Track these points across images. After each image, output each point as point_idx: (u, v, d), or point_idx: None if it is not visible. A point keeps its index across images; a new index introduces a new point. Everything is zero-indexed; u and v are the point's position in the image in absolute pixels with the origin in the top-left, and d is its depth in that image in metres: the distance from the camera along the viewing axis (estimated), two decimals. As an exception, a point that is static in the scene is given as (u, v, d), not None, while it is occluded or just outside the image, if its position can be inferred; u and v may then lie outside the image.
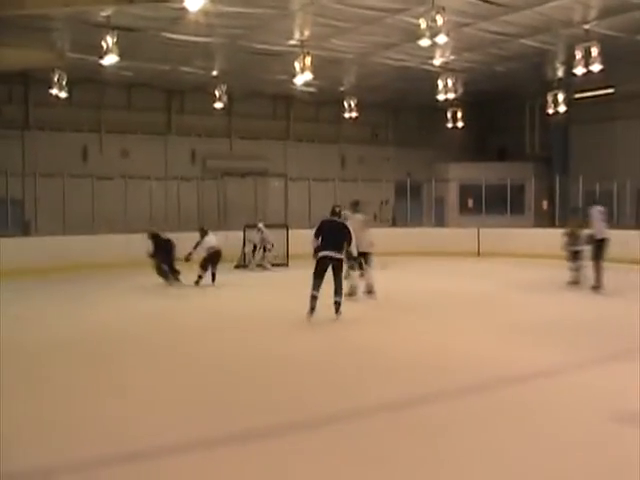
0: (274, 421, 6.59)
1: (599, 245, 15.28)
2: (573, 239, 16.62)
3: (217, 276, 17.50)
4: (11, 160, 23.18)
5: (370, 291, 14.39)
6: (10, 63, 19.93)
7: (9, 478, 5.26)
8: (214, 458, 5.72)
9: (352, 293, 14.03)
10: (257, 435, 6.24)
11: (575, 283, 16.31)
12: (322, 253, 12.04)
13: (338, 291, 12.11)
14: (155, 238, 17.48)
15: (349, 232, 12.39)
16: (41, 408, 7.14)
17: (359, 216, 14.59)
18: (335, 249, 12.09)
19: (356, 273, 14.21)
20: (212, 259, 17.52)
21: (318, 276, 11.96)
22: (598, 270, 15.16)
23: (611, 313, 12.72)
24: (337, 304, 12.06)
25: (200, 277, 17.28)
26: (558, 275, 17.33)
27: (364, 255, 14.13)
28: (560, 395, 7.42)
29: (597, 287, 15.09)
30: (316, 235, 12.20)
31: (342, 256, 12.25)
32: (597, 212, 15.78)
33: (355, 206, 14.90)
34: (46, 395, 7.63)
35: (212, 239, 17.80)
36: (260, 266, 21.77)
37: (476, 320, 12.27)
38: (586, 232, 15.88)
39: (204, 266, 17.37)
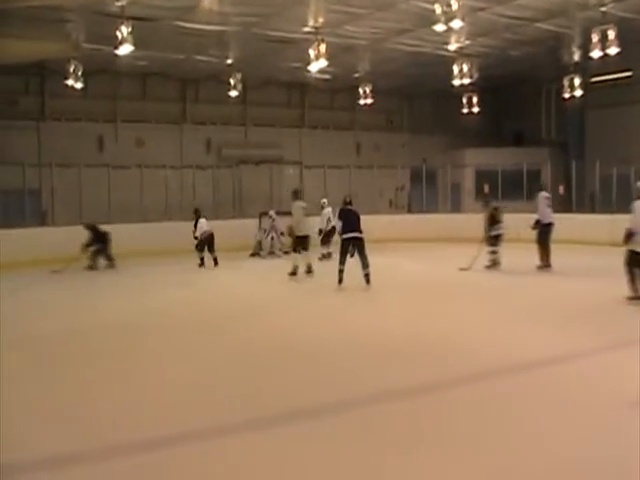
0: (278, 409, 6.62)
1: (545, 229, 16.48)
2: (492, 223, 17.43)
3: (228, 263, 17.79)
4: (27, 151, 23.33)
5: (309, 270, 16.10)
6: (26, 55, 20.01)
7: (18, 467, 5.32)
8: (224, 445, 5.77)
9: (294, 272, 15.87)
10: (261, 423, 6.28)
11: (494, 265, 17.13)
12: (346, 235, 14.31)
13: (365, 265, 14.06)
14: (92, 229, 18.78)
15: (359, 217, 14.53)
16: (54, 397, 7.18)
17: (299, 203, 16.54)
18: (356, 231, 14.20)
19: (298, 255, 16.17)
20: (207, 242, 18.66)
21: (343, 254, 14.25)
22: (544, 252, 16.29)
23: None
24: (367, 276, 14.04)
25: (202, 260, 18.55)
26: (575, 260, 17.26)
27: (304, 238, 16.15)
28: (569, 383, 7.38)
29: (543, 266, 16.29)
30: (339, 218, 14.69)
31: (362, 236, 14.24)
32: (543, 198, 17.13)
33: (295, 194, 17.18)
34: (59, 384, 7.69)
35: (204, 223, 18.98)
36: (272, 253, 21.79)
37: (490, 305, 12.27)
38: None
39: (200, 249, 18.57)
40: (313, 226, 17.52)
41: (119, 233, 19.94)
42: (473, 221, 26.08)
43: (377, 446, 5.65)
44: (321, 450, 5.62)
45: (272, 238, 22.04)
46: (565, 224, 24.05)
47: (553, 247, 17.05)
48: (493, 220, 17.48)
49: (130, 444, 5.82)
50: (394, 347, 9.10)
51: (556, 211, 26.49)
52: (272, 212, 22.23)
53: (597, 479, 5.06)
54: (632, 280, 11.58)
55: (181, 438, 5.91)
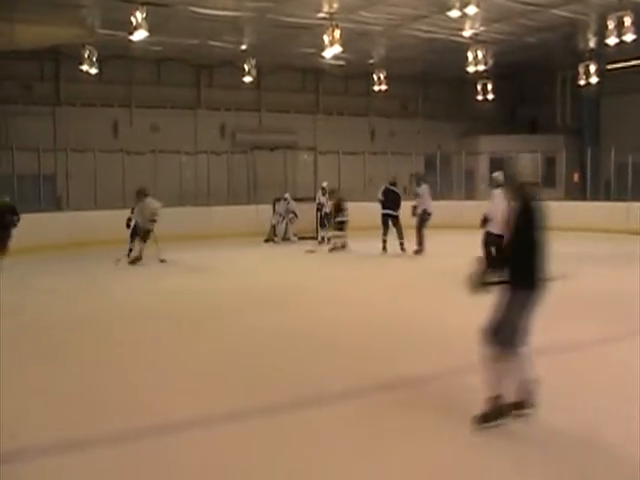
0: (279, 398, 6.65)
1: (427, 218, 17.79)
2: (337, 211, 19.56)
3: (249, 250, 17.98)
4: (43, 136, 23.45)
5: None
6: (41, 40, 20.08)
7: (26, 452, 5.40)
8: (229, 431, 5.84)
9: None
10: (265, 410, 6.33)
11: (339, 248, 19.21)
12: (384, 211, 18.13)
13: (400, 236, 17.97)
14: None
15: (400, 197, 18.24)
16: (58, 383, 7.23)
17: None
18: (391, 209, 18.03)
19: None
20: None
21: (384, 226, 18.18)
22: (421, 237, 17.69)
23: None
24: (401, 244, 17.99)
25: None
26: (587, 248, 17.25)
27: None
28: (594, 369, 7.45)
29: (419, 251, 17.68)
30: (381, 197, 18.37)
31: (398, 213, 17.97)
32: (427, 189, 18.39)
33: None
34: (65, 369, 7.73)
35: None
36: (286, 239, 21.84)
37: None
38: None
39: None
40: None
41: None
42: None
43: (379, 434, 5.71)
44: (324, 437, 5.68)
45: (287, 223, 22.07)
46: (580, 211, 24.15)
47: (566, 233, 17.01)
48: (338, 208, 19.60)
49: (136, 429, 5.88)
50: (398, 336, 9.16)
51: (571, 198, 26.64)
52: (287, 195, 22.26)
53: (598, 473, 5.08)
54: (487, 257, 12.12)
55: (187, 424, 5.97)
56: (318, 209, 21.53)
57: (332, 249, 19.17)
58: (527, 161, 6.14)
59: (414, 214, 17.73)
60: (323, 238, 20.95)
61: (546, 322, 9.37)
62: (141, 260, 16.79)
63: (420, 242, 17.74)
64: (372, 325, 9.67)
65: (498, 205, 11.38)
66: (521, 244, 5.56)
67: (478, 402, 5.63)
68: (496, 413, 5.52)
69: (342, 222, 19.54)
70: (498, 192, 11.74)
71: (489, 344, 5.49)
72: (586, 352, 8.29)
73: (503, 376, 5.50)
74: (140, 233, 16.98)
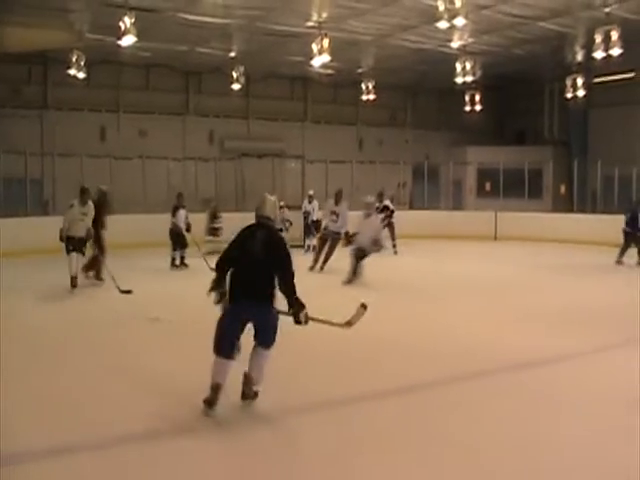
0: (271, 404, 6.66)
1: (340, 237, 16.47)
2: (213, 218, 20.44)
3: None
4: (30, 140, 23.32)
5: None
6: (29, 43, 20.05)
7: (16, 457, 5.36)
8: (222, 439, 5.85)
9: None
10: (271, 416, 6.35)
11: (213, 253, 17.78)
12: None
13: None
14: None
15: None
16: (47, 388, 7.21)
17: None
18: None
19: None
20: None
21: None
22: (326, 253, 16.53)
23: (631, 298, 12.64)
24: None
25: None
26: (576, 259, 17.32)
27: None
28: (577, 381, 7.49)
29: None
30: None
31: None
32: (346, 208, 17.06)
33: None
34: (58, 374, 7.72)
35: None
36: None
37: (491, 304, 12.30)
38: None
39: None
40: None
41: (121, 224, 19.96)
42: (474, 219, 26.35)
43: (365, 443, 5.72)
44: (326, 443, 5.72)
45: (281, 230, 21.93)
46: (566, 224, 24.25)
47: (552, 245, 17.05)
48: (214, 216, 20.51)
49: (119, 436, 5.86)
50: (403, 345, 9.17)
51: (558, 210, 26.77)
52: (282, 203, 22.12)
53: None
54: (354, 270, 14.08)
55: (178, 430, 5.98)
56: (305, 217, 21.53)
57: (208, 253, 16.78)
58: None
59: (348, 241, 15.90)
60: (309, 246, 20.95)
61: (531, 334, 9.46)
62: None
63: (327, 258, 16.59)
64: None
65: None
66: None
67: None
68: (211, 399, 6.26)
69: (217, 228, 20.47)
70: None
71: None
72: (571, 363, 8.31)
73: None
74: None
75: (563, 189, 28.28)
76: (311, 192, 21.81)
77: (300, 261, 17.43)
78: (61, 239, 13.66)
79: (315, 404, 6.75)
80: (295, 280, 6.44)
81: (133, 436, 5.86)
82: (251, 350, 6.51)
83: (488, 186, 28.99)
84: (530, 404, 6.70)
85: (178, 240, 17.48)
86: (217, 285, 6.58)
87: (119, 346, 9.05)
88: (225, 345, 6.36)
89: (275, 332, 6.51)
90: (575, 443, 5.69)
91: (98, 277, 14.67)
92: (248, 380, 6.49)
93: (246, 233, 6.71)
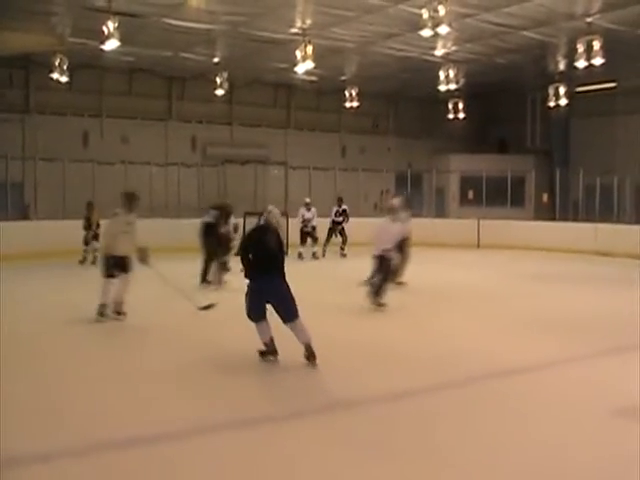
0: (278, 409, 6.71)
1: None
2: (88, 226, 19.06)
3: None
4: (11, 144, 23.16)
5: None
6: (11, 47, 19.94)
7: (12, 462, 5.31)
8: (206, 445, 5.79)
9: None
10: (260, 422, 6.31)
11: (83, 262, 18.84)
12: None
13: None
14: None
15: None
16: (39, 394, 7.18)
17: None
18: None
19: None
20: None
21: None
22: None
23: (611, 306, 12.71)
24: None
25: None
26: (557, 268, 17.39)
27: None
28: (559, 388, 7.49)
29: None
30: None
31: None
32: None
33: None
34: (40, 381, 7.67)
35: None
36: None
37: (474, 312, 12.31)
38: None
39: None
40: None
41: (103, 230, 19.86)
42: (457, 227, 26.43)
43: (362, 448, 5.72)
44: (318, 449, 5.70)
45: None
46: (549, 232, 24.37)
47: (534, 253, 17.09)
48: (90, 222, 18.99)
49: (102, 441, 5.83)
50: (388, 351, 9.17)
51: (540, 218, 26.90)
52: (273, 208, 21.88)
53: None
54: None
55: (174, 436, 5.96)
56: (304, 225, 21.31)
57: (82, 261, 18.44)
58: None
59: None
60: (300, 254, 20.88)
61: (515, 342, 9.47)
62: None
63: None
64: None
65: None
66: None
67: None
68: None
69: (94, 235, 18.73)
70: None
71: None
72: (548, 371, 8.32)
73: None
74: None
75: (545, 197, 28.42)
76: (308, 200, 21.56)
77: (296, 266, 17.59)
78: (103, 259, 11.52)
79: (304, 409, 6.76)
80: None
81: (122, 441, 5.83)
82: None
83: (471, 194, 29.09)
84: (516, 411, 6.71)
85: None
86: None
87: (95, 351, 9.01)
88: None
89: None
90: (563, 449, 5.69)
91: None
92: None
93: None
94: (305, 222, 21.27)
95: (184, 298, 11.08)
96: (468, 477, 5.21)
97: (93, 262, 17.89)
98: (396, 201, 14.11)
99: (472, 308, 12.74)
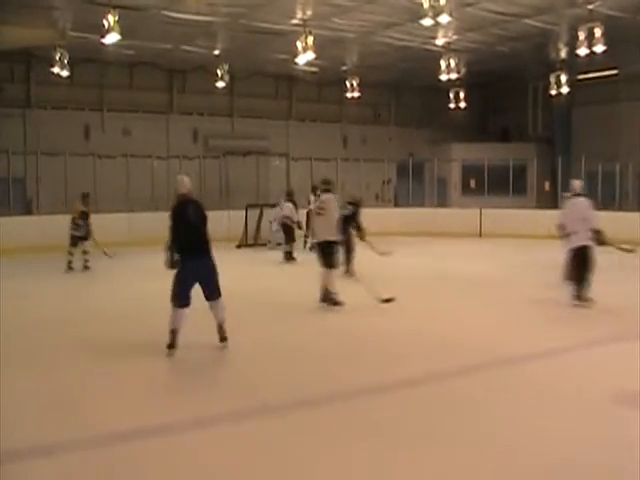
0: (273, 401, 6.69)
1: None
2: (82, 222, 16.95)
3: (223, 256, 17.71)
4: (13, 138, 23.18)
5: None
6: (12, 41, 19.91)
7: (12, 455, 5.33)
8: (212, 435, 5.83)
9: None
10: (256, 413, 6.32)
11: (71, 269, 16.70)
12: None
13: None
14: None
15: None
16: (36, 388, 7.19)
17: None
18: None
19: None
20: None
21: None
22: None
23: (614, 294, 12.71)
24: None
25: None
26: (560, 256, 17.32)
27: None
28: (561, 376, 7.51)
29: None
30: None
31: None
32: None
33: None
34: (42, 375, 7.69)
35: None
36: (279, 244, 21.64)
37: (476, 301, 12.33)
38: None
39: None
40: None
41: (105, 223, 19.92)
42: (459, 216, 26.42)
43: (366, 438, 5.73)
44: (326, 438, 5.75)
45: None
46: (551, 220, 24.32)
47: (536, 241, 17.08)
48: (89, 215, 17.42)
49: (107, 434, 5.85)
50: (390, 342, 9.20)
51: (542, 207, 26.86)
52: (282, 201, 21.90)
53: (590, 474, 5.12)
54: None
55: (174, 428, 5.98)
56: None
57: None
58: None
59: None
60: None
61: (521, 330, 9.49)
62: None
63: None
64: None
65: (576, 214, 11.39)
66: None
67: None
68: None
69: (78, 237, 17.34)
70: (578, 200, 11.74)
71: None
72: (551, 359, 8.34)
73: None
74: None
75: (547, 186, 28.36)
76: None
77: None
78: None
79: (312, 398, 6.79)
80: None
81: (124, 433, 5.85)
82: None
83: (473, 183, 29.05)
84: (519, 398, 6.74)
85: (288, 233, 18.76)
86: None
87: (113, 343, 9.03)
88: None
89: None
90: (565, 436, 5.72)
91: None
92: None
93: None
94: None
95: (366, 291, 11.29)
96: (476, 464, 5.23)
97: (86, 267, 16.79)
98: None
99: (474, 297, 12.76)
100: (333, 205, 11.83)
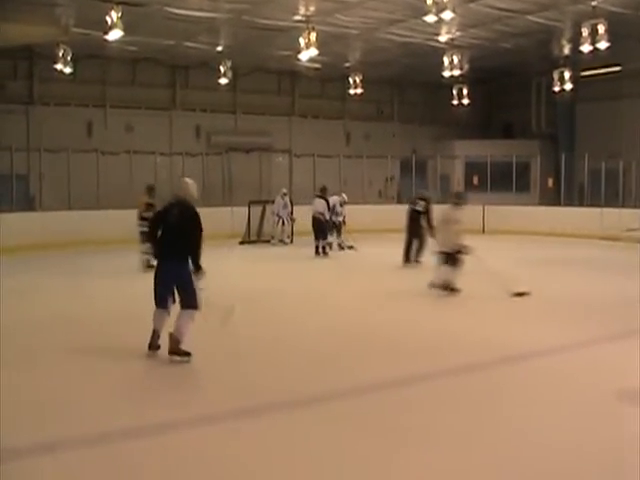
0: (271, 398, 6.67)
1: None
2: (143, 219, 15.26)
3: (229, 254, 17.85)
4: (16, 135, 23.16)
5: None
6: (15, 38, 19.86)
7: (12, 454, 5.33)
8: (213, 433, 5.83)
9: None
10: (256, 412, 6.31)
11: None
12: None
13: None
14: None
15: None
16: (39, 384, 7.19)
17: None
18: None
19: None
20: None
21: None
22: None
23: (616, 291, 12.70)
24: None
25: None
26: (563, 253, 17.37)
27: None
28: (563, 373, 7.50)
29: None
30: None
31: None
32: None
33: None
34: (42, 372, 7.69)
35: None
36: (281, 241, 21.67)
37: (480, 298, 12.29)
38: None
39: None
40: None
41: (108, 219, 19.95)
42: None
43: (369, 436, 5.72)
44: (319, 437, 5.72)
45: (283, 223, 21.89)
46: (554, 217, 24.33)
47: (540, 238, 17.07)
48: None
49: (105, 433, 5.84)
50: (386, 339, 9.19)
51: (545, 204, 26.84)
52: (286, 198, 21.95)
53: (592, 470, 5.11)
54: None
55: (172, 426, 5.97)
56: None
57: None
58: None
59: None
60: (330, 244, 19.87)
61: (515, 327, 9.48)
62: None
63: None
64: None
65: None
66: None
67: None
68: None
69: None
70: None
71: None
72: (553, 355, 8.33)
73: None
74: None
75: (550, 182, 28.32)
76: (344, 195, 20.87)
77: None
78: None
79: (307, 398, 6.75)
80: None
81: (125, 431, 5.84)
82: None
83: (476, 180, 29.01)
84: (521, 395, 6.74)
85: (320, 229, 18.93)
86: None
87: (112, 340, 9.02)
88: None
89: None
90: (568, 432, 5.71)
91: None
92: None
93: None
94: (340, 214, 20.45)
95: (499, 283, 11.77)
96: (480, 461, 5.23)
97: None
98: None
99: (477, 294, 12.72)
100: (459, 217, 12.70)
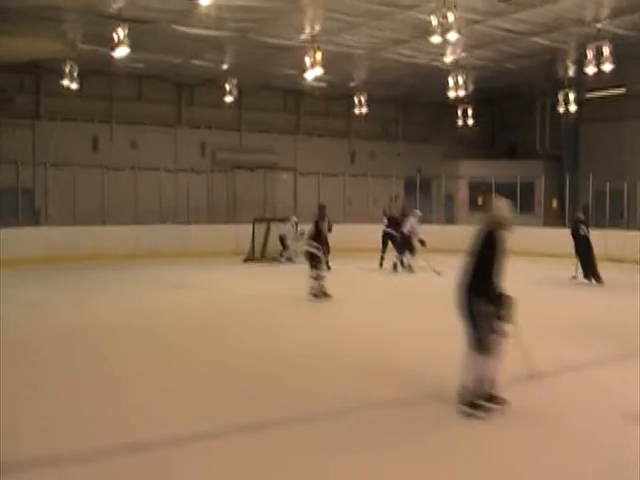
0: (264, 415, 6.66)
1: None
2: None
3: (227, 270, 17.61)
4: (22, 149, 23.30)
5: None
6: (22, 53, 20.04)
7: (15, 466, 5.33)
8: (209, 449, 5.79)
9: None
10: (250, 427, 6.30)
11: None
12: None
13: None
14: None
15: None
16: (42, 398, 7.18)
17: None
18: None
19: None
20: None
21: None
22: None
23: (621, 312, 12.65)
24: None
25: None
26: (567, 273, 17.34)
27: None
28: (570, 393, 7.48)
29: None
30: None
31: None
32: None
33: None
34: (48, 385, 7.68)
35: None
36: (289, 259, 21.68)
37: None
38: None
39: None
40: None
41: (113, 235, 19.98)
42: (466, 233, 26.28)
43: (365, 451, 5.70)
44: (308, 454, 5.69)
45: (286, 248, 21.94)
46: (558, 238, 24.26)
47: (543, 259, 17.00)
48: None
49: (112, 447, 5.82)
50: (401, 357, 9.21)
51: (550, 224, 26.81)
52: (294, 218, 22.00)
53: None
54: None
55: (170, 442, 5.96)
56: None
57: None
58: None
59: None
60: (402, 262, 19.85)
61: (514, 349, 9.43)
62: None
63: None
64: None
65: None
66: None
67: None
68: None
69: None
70: None
71: None
72: (557, 376, 8.30)
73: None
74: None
75: (555, 203, 28.33)
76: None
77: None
78: None
79: (315, 413, 6.74)
80: None
81: (129, 445, 5.83)
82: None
83: (480, 200, 28.99)
84: (526, 415, 6.68)
85: (403, 244, 19.43)
86: None
87: (116, 355, 9.02)
88: None
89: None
90: (572, 453, 5.69)
91: None
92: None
93: None
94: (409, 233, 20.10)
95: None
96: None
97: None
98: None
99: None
100: None
